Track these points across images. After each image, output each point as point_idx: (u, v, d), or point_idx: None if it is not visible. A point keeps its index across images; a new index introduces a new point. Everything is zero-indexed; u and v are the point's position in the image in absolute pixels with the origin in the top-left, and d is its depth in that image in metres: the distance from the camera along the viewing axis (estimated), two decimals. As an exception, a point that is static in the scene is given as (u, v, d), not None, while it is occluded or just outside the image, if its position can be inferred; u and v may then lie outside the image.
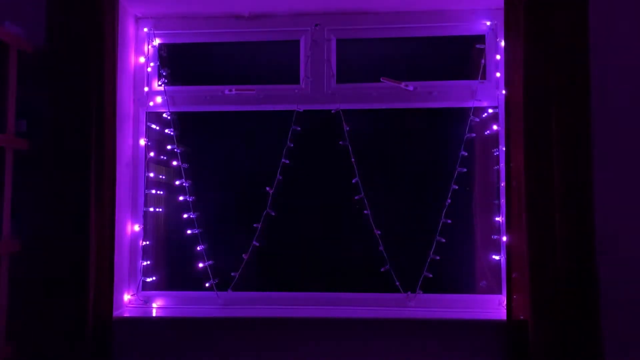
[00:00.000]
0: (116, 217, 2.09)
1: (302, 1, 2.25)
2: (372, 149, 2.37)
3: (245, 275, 2.32)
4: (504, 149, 2.05)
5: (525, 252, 1.91)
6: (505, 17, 2.03)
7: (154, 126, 2.43)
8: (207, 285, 2.33)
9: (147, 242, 2.39)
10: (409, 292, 2.27)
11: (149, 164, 2.42)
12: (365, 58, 2.43)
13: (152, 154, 2.42)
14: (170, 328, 2.14)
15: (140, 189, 2.38)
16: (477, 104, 2.29)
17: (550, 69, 1.93)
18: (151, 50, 2.42)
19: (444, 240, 2.27)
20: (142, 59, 2.40)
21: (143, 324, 2.16)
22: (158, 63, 2.42)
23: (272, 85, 2.38)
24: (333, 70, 2.34)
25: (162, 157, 2.45)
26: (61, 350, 1.95)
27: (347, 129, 2.32)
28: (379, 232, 2.28)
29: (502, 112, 2.21)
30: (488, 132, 2.30)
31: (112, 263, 2.04)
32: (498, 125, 2.26)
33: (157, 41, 2.43)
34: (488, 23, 2.30)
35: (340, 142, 2.33)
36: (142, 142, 2.40)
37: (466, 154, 2.29)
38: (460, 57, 2.38)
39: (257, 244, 2.32)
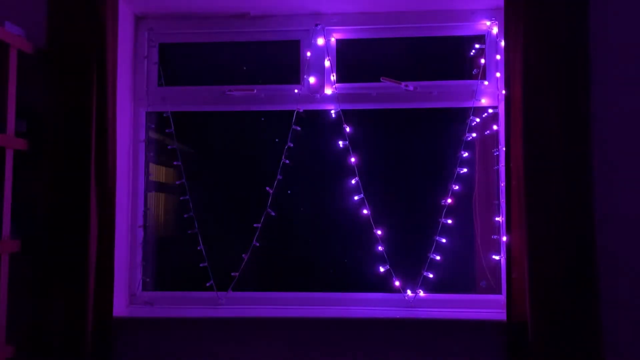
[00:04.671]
0: (116, 217, 2.09)
1: (302, 1, 2.25)
2: (372, 149, 2.37)
3: (245, 275, 2.32)
4: (504, 149, 2.05)
5: (525, 252, 1.91)
6: (505, 17, 2.03)
7: (153, 126, 2.43)
8: (207, 285, 2.33)
9: (147, 242, 2.39)
10: (409, 292, 2.27)
11: (149, 164, 2.42)
12: (365, 58, 2.43)
13: (152, 154, 2.43)
14: (170, 328, 2.15)
15: (140, 189, 2.38)
16: (477, 104, 2.29)
17: (550, 68, 1.93)
18: (151, 50, 2.42)
19: (444, 240, 2.27)
20: (142, 59, 2.40)
21: (143, 324, 2.16)
22: (158, 63, 2.42)
23: (272, 85, 2.38)
24: (333, 70, 2.34)
25: (162, 157, 2.45)
26: (61, 351, 1.95)
27: (347, 129, 2.32)
28: (379, 232, 2.28)
29: (502, 112, 2.21)
30: (488, 132, 2.30)
31: (112, 263, 2.04)
32: (498, 125, 2.26)
33: (157, 41, 2.43)
34: (488, 23, 2.30)
35: (340, 142, 2.33)
36: (142, 142, 2.40)
37: (466, 154, 2.29)
38: (460, 57, 2.37)
39: (257, 244, 2.32)
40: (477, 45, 2.32)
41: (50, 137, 2.00)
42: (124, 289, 2.31)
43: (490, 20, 2.29)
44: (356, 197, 2.31)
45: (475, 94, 2.29)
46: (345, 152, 2.33)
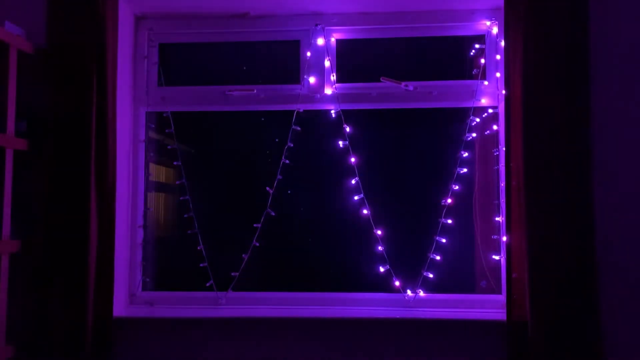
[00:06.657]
0: (116, 217, 2.09)
1: (302, 1, 2.25)
2: (372, 149, 2.37)
3: (245, 275, 2.32)
4: (504, 149, 2.05)
5: (525, 252, 1.91)
6: (505, 17, 2.03)
7: (153, 126, 2.43)
8: (207, 285, 2.32)
9: (147, 242, 2.39)
10: (409, 292, 2.27)
11: (149, 164, 2.42)
12: (365, 58, 2.43)
13: (152, 154, 2.43)
14: (170, 328, 2.14)
15: (140, 189, 2.38)
16: (477, 104, 2.29)
17: (550, 68, 1.93)
18: (151, 50, 2.42)
19: (444, 240, 2.27)
20: (142, 59, 2.40)
21: (143, 324, 2.16)
22: (158, 63, 2.42)
23: (272, 85, 2.38)
24: (333, 70, 2.34)
25: (162, 157, 2.45)
26: (61, 351, 1.95)
27: (347, 129, 2.32)
28: (379, 232, 2.28)
29: (502, 112, 2.21)
30: (488, 132, 2.30)
31: (112, 263, 2.04)
32: (498, 125, 2.26)
33: (157, 41, 2.43)
34: (488, 23, 2.30)
35: (340, 142, 2.33)
36: (142, 142, 2.40)
37: (466, 154, 2.29)
38: (460, 57, 2.37)
39: (257, 244, 2.32)
40: (477, 45, 2.32)
41: (50, 137, 2.00)
42: (124, 289, 2.31)
43: (490, 20, 2.29)
44: (356, 197, 2.31)
45: (475, 94, 2.29)
46: (345, 152, 2.33)
